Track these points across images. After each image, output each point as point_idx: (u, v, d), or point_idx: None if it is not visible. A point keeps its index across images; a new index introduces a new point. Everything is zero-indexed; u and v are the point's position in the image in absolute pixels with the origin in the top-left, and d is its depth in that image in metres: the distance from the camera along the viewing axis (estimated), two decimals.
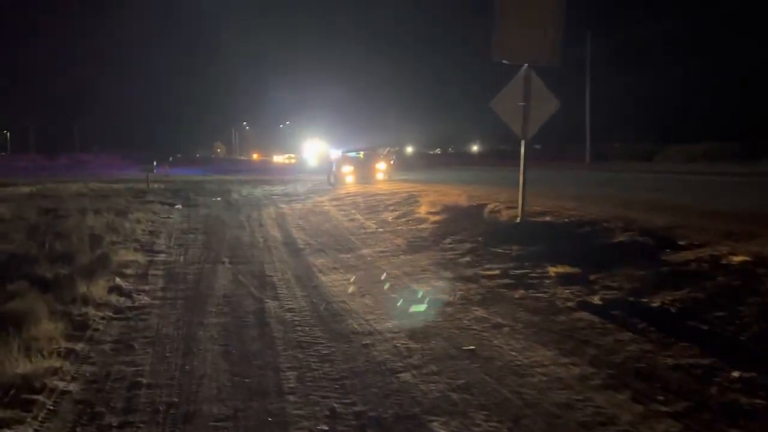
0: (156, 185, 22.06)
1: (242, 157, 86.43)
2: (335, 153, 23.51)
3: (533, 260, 6.39)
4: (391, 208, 12.52)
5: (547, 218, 8.65)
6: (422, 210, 11.27)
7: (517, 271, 6.02)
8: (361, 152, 23.17)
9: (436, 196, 13.25)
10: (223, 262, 7.42)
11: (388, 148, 29.58)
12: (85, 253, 6.84)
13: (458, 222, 9.40)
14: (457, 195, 13.10)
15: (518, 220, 8.41)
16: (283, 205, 14.95)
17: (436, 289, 5.66)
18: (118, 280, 6.03)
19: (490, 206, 9.84)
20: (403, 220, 10.57)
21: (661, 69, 42.00)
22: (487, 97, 8.56)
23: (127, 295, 5.58)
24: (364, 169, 21.22)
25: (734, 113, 37.98)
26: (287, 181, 25.36)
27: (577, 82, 44.12)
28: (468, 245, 7.59)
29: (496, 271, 6.11)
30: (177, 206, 14.89)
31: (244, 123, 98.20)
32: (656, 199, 11.13)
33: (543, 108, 8.25)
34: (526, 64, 8.12)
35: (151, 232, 10.08)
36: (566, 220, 8.35)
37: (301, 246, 8.63)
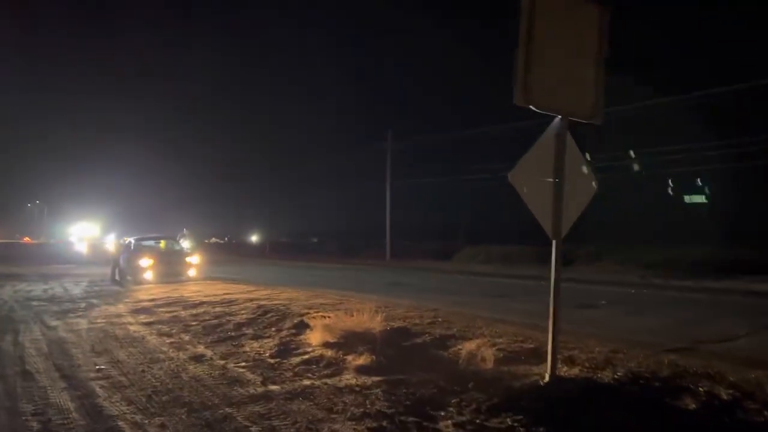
0: None
1: None
2: (124, 240, 17.86)
3: None
4: (250, 331, 8.16)
5: (576, 370, 5.29)
6: (314, 338, 7.18)
7: None
8: (162, 241, 17.92)
9: (309, 311, 9.20)
10: None
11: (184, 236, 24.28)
12: None
13: (413, 373, 5.56)
14: (334, 307, 9.25)
15: (546, 378, 4.91)
16: (56, 322, 9.51)
17: None
18: None
19: (469, 346, 6.18)
20: (297, 361, 6.34)
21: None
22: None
23: None
24: (170, 264, 16.08)
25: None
26: (49, 276, 18.73)
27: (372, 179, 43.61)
28: None
29: None
30: None
31: None
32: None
33: (580, 188, 5.10)
34: (560, 117, 4.97)
35: None
36: (616, 375, 5.08)
37: None
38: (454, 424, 4.24)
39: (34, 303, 11.92)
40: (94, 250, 30.45)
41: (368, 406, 4.75)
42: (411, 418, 4.41)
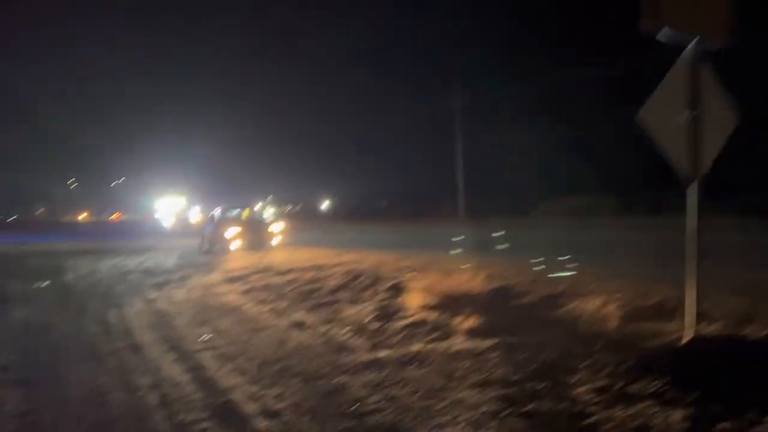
0: None
1: (68, 219, 74.42)
2: (210, 212, 18.25)
3: None
4: (345, 296, 8.02)
5: (715, 327, 4.76)
6: (413, 301, 6.95)
7: None
8: (247, 209, 18.19)
9: (400, 273, 8.99)
10: None
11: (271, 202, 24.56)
12: None
13: (528, 335, 5.21)
14: (424, 268, 9.02)
15: (686, 337, 4.43)
16: (154, 294, 9.74)
17: None
18: None
19: (585, 305, 5.78)
20: (400, 325, 6.10)
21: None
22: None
23: None
24: (255, 232, 16.30)
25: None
26: (141, 250, 19.45)
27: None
28: (674, 413, 3.41)
29: None
30: None
31: (70, 181, 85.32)
32: None
33: (719, 121, 4.48)
34: (694, 41, 4.35)
35: None
36: (764, 332, 4.54)
37: None
38: (592, 390, 3.87)
39: (131, 277, 12.32)
40: (180, 223, 31.51)
41: (489, 372, 4.44)
42: (541, 384, 4.07)
